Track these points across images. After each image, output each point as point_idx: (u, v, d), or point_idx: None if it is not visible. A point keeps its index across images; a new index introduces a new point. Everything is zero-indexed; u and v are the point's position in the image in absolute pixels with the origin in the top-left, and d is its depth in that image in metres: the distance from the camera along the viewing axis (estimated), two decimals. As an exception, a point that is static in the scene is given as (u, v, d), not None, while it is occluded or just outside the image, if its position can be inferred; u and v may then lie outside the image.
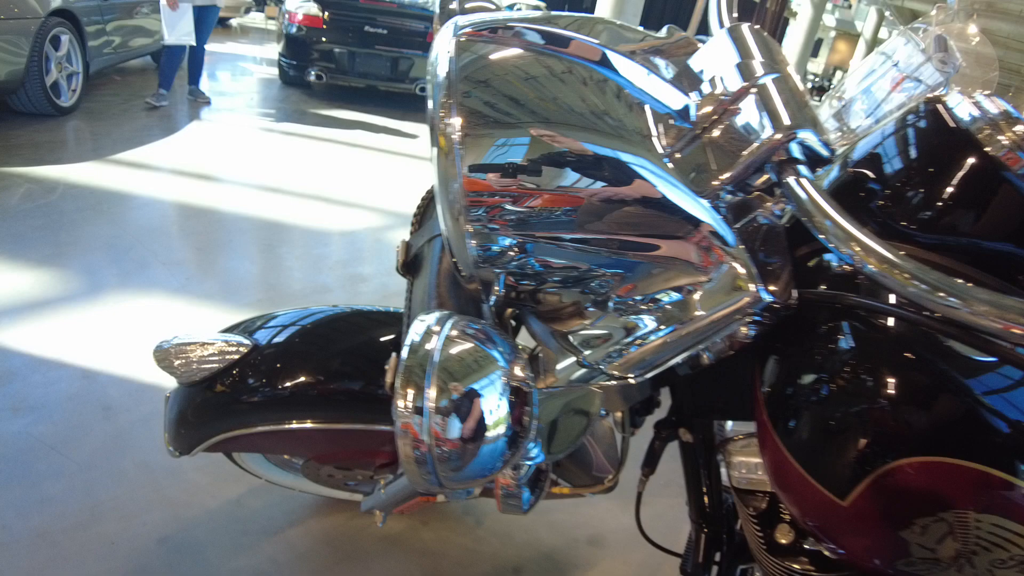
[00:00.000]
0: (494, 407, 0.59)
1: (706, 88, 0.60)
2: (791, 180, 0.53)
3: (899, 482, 0.57)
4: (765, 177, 0.57)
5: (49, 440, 1.79)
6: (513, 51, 0.63)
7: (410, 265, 1.01)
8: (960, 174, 0.61)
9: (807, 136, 0.53)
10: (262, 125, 5.18)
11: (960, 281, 0.46)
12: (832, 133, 1.06)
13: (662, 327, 0.63)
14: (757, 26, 0.64)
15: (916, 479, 0.56)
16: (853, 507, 0.60)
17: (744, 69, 0.58)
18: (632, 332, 0.65)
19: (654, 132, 0.61)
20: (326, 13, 5.96)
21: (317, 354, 1.25)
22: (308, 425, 1.23)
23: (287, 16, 6.06)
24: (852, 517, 0.60)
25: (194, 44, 5.08)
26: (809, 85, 18.57)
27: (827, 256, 0.69)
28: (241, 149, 4.50)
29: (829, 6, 16.74)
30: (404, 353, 0.58)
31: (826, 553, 0.74)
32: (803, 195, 0.51)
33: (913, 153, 0.66)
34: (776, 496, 0.83)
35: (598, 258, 0.62)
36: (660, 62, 0.71)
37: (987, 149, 0.59)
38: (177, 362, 1.22)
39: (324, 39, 5.95)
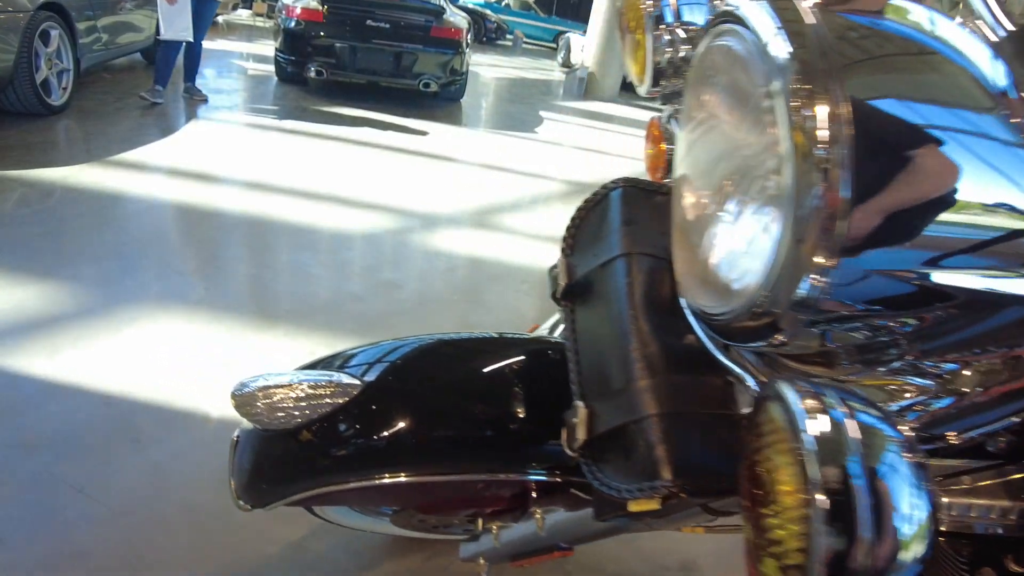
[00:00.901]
0: (915, 504, 0.39)
1: None
2: None
3: None
4: None
5: (74, 480, 1.55)
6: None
7: (573, 291, 0.85)
8: None
9: None
10: (264, 123, 4.92)
11: None
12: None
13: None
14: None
15: None
16: None
17: None
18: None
19: None
20: (325, 7, 5.70)
21: (435, 397, 1.03)
22: (421, 479, 1.01)
23: (284, 11, 5.80)
24: None
25: (191, 40, 4.80)
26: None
27: None
28: (244, 148, 4.24)
29: None
30: (807, 446, 0.37)
31: None
32: None
33: None
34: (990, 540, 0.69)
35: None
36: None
37: None
38: (263, 407, 1.01)
39: (323, 34, 5.69)
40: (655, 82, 0.87)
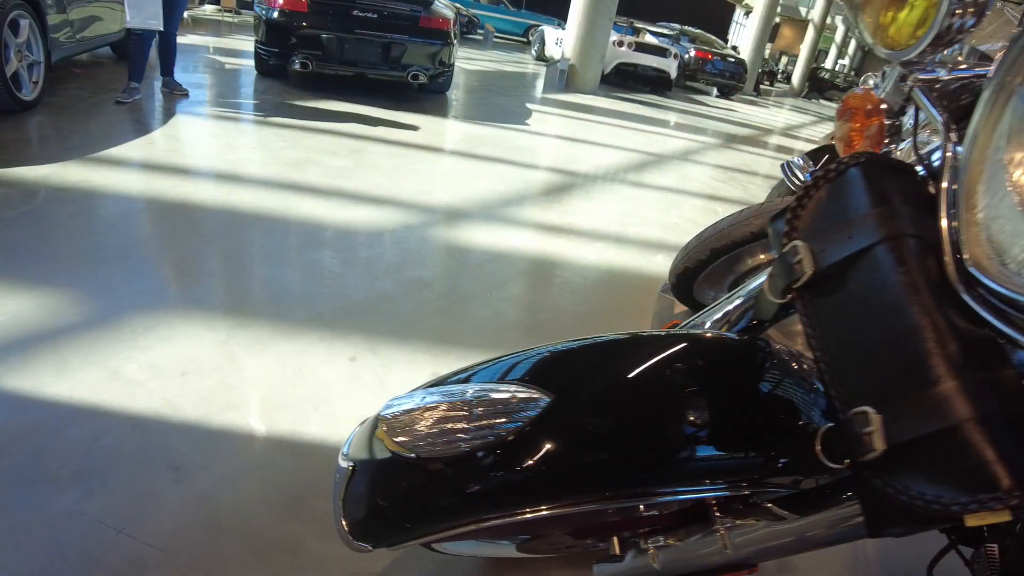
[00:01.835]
0: None
1: None
2: None
3: None
4: None
5: (112, 519, 1.32)
6: None
7: (819, 284, 0.75)
8: None
9: None
10: (251, 118, 4.64)
11: None
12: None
13: None
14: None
15: None
16: None
17: None
18: None
19: None
20: (309, -4, 5.42)
21: (622, 408, 0.84)
22: (595, 504, 0.83)
23: (266, 0, 5.49)
24: None
25: (162, 29, 4.48)
26: (763, 69, 18.68)
27: None
28: (235, 144, 3.96)
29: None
30: None
31: None
32: None
33: None
34: None
35: None
36: None
37: None
38: (425, 430, 0.82)
39: (308, 24, 5.40)
40: (935, 44, 0.80)
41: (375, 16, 5.53)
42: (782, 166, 3.57)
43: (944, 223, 0.69)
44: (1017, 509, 0.57)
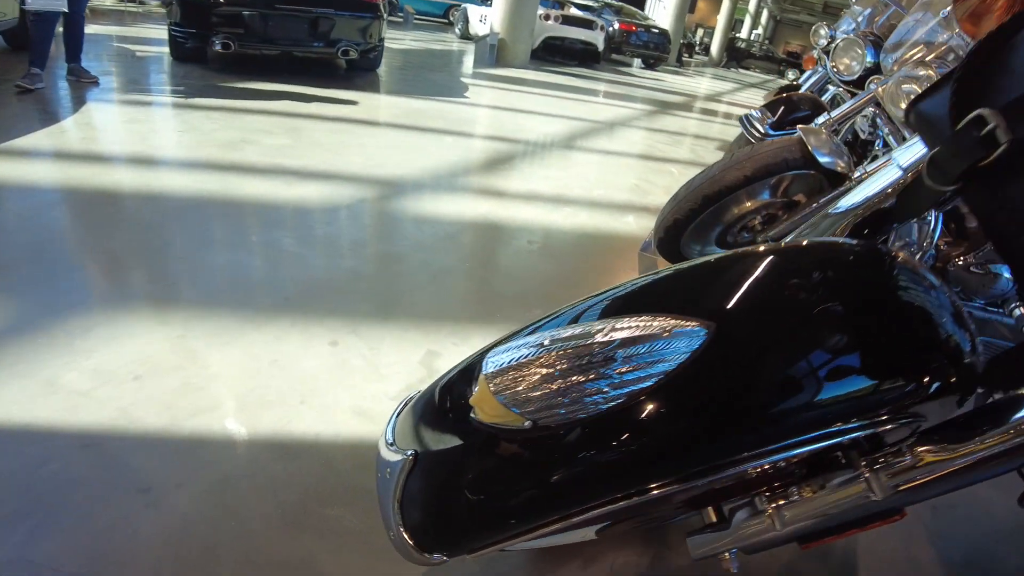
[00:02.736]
0: None
1: None
2: None
3: None
4: None
5: (71, 564, 1.04)
6: None
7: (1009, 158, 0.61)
8: None
9: None
10: (174, 102, 4.20)
11: None
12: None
13: None
14: None
15: None
16: None
17: None
18: None
19: None
20: (226, -29, 4.96)
21: (781, 342, 0.65)
22: (741, 467, 0.64)
23: (178, -23, 5.00)
24: None
25: (66, 11, 4.00)
26: (683, 41, 18.84)
27: None
28: (162, 128, 3.56)
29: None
30: None
31: None
32: None
33: None
34: None
35: None
36: None
37: None
38: (534, 393, 0.60)
39: (227, 1, 4.94)
40: None
41: (300, -11, 5.12)
42: (740, 119, 3.45)
43: None
44: None
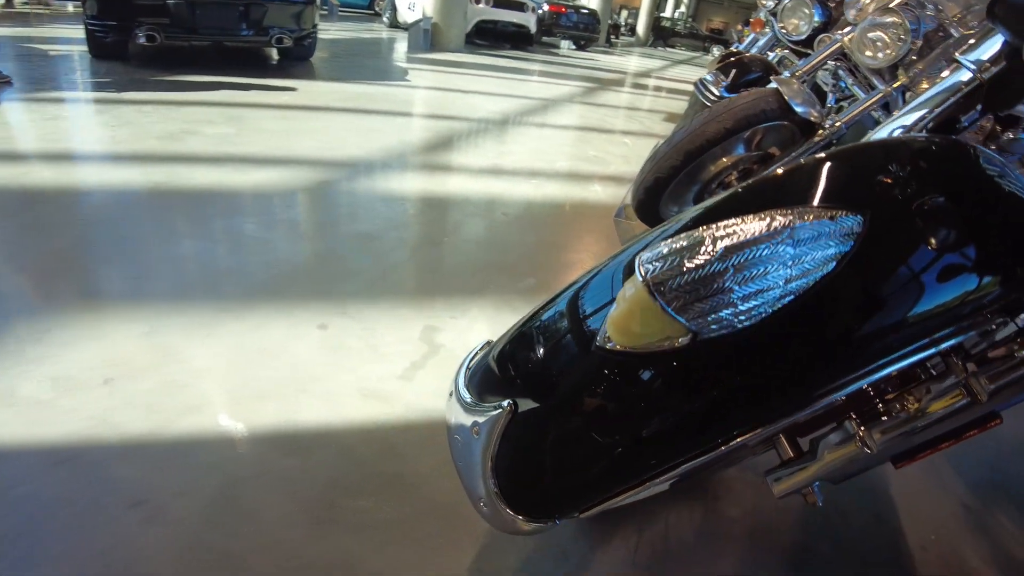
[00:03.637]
0: None
1: None
2: None
3: None
4: None
5: (63, 595, 0.86)
6: None
7: None
8: None
9: None
10: (104, 97, 3.86)
11: None
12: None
13: None
14: None
15: None
16: None
17: None
18: None
19: None
20: (145, -43, 4.58)
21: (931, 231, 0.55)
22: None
23: (91, -35, 4.59)
24: None
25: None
26: (609, 22, 18.89)
27: None
28: (94, 123, 3.25)
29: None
30: None
31: None
32: None
33: None
34: None
35: None
36: None
37: None
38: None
39: (148, -11, 4.58)
40: None
41: (227, -25, 4.80)
42: (695, 83, 3.40)
43: None
44: None
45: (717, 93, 3.34)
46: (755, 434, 0.57)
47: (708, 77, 3.40)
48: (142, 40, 4.61)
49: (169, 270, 1.77)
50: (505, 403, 0.61)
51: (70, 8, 10.07)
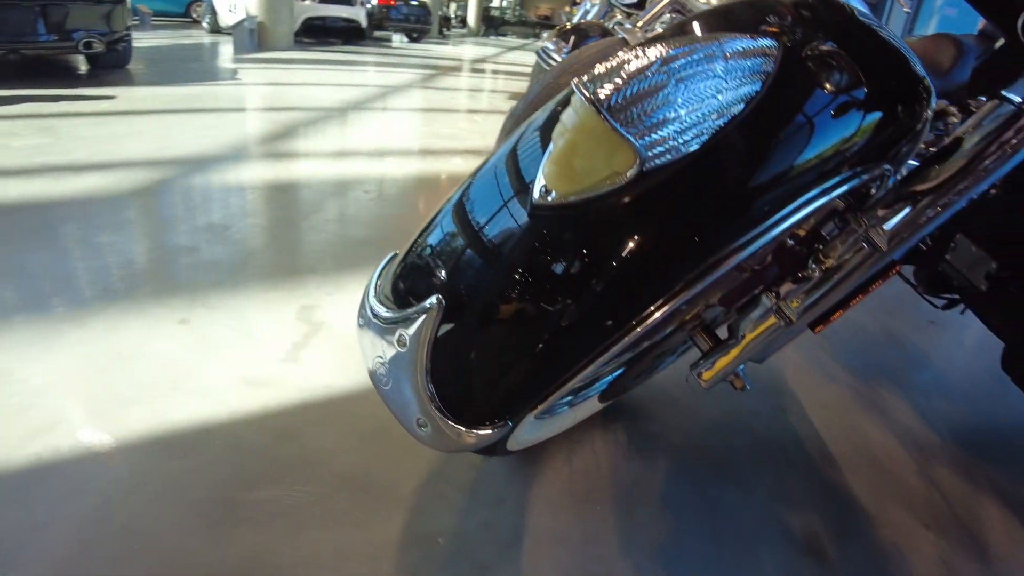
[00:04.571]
0: None
1: None
2: None
3: None
4: None
5: None
6: None
7: None
8: None
9: None
10: None
11: None
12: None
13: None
14: None
15: None
16: None
17: None
18: None
19: None
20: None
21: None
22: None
23: None
24: None
25: None
26: (439, 14, 18.79)
27: None
28: None
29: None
30: None
31: None
32: None
33: None
34: None
35: None
36: None
37: None
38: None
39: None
40: None
41: (14, -26, 4.17)
42: (537, 52, 3.43)
43: None
44: None
45: (559, 59, 3.39)
46: (694, 291, 0.54)
47: (549, 45, 3.44)
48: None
49: (22, 286, 1.49)
50: (432, 299, 0.54)
51: None
